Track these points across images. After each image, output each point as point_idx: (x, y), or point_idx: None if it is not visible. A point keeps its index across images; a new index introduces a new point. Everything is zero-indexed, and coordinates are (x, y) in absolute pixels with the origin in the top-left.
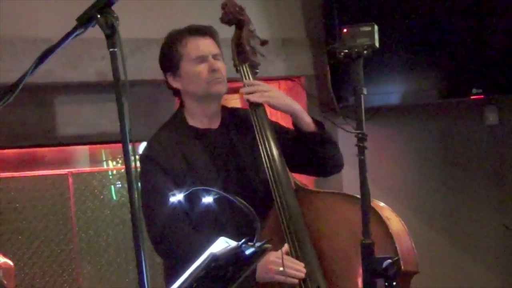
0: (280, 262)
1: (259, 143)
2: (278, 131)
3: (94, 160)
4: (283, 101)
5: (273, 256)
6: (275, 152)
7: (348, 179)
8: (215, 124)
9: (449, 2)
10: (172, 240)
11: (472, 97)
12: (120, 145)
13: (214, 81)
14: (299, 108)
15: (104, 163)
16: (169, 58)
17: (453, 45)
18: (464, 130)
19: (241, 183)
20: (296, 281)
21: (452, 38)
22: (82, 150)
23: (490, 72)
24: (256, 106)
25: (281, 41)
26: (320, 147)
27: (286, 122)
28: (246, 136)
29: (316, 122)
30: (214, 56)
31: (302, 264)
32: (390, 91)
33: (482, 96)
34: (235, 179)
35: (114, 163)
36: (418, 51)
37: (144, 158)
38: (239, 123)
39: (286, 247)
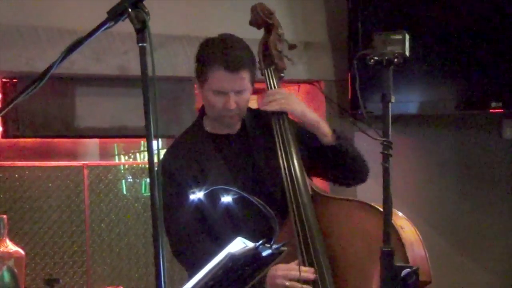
0: (285, 274)
1: (278, 153)
2: (303, 135)
3: (106, 153)
4: (299, 109)
5: (281, 270)
6: (295, 163)
7: (363, 186)
8: (235, 129)
9: (472, 14)
10: (189, 254)
11: (490, 110)
12: (132, 140)
13: (225, 116)
14: (315, 118)
15: (116, 157)
16: (198, 70)
17: (474, 57)
18: (481, 143)
19: (258, 189)
20: None
21: (474, 50)
22: (94, 143)
23: (510, 86)
24: (279, 114)
25: (303, 45)
26: (339, 159)
27: None
28: (267, 141)
29: (335, 133)
30: (238, 92)
31: (312, 270)
32: (409, 100)
33: (501, 110)
34: (252, 185)
35: (126, 157)
36: (439, 61)
37: (161, 169)
38: (261, 126)
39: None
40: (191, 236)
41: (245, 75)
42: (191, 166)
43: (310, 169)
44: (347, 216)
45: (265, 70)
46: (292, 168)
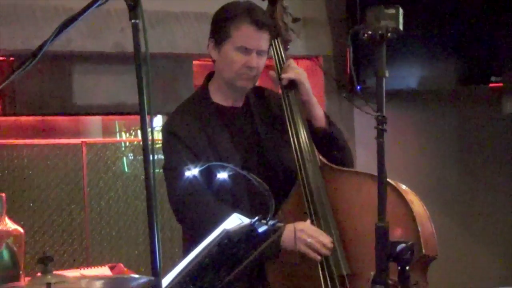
0: (309, 232)
1: (287, 122)
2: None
3: (107, 131)
4: (307, 85)
5: (304, 225)
6: (303, 130)
7: (361, 161)
8: (239, 103)
9: None
10: (193, 207)
11: (490, 85)
12: (134, 117)
13: (243, 76)
14: (315, 100)
15: (117, 134)
16: (218, 28)
17: (474, 32)
18: (481, 118)
19: (261, 163)
20: (319, 257)
21: (474, 25)
22: (96, 121)
23: (510, 61)
24: (288, 89)
25: (302, 20)
26: (326, 144)
27: None
28: (269, 118)
29: (328, 120)
30: (259, 53)
31: (330, 239)
32: (409, 75)
33: (501, 84)
34: (255, 159)
35: (127, 135)
36: (439, 36)
37: (166, 131)
38: (264, 103)
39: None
40: (196, 190)
41: (267, 36)
42: (199, 135)
43: None
44: (355, 188)
45: (272, 42)
46: (301, 136)
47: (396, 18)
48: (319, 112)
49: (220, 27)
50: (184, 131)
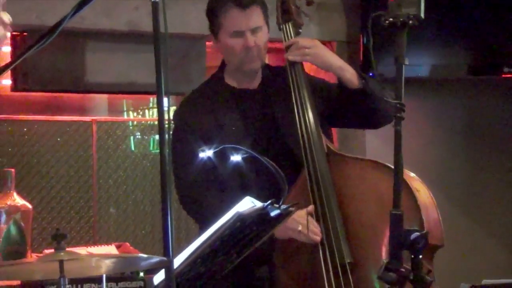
0: (301, 221)
1: (294, 102)
2: (322, 88)
3: (114, 109)
4: (321, 59)
5: (295, 215)
6: (310, 112)
7: (371, 148)
8: (255, 84)
9: None
10: (198, 200)
11: (503, 75)
12: (141, 96)
13: (247, 59)
14: (339, 65)
15: (125, 113)
16: (211, 22)
17: (487, 21)
18: (492, 108)
19: (272, 146)
20: (315, 241)
21: (488, 14)
22: (103, 98)
23: None
24: (294, 64)
25: (315, 5)
26: (366, 101)
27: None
28: (286, 97)
29: (360, 76)
30: (254, 30)
31: (319, 229)
32: (421, 63)
33: None
34: (266, 141)
35: (135, 114)
36: (452, 25)
37: (174, 117)
38: (281, 83)
39: (311, 207)
40: (201, 187)
41: (257, 11)
42: (207, 117)
43: (333, 119)
44: (361, 175)
45: (283, 25)
46: (307, 121)
47: (418, 5)
48: (348, 74)
49: (212, 19)
50: (192, 116)
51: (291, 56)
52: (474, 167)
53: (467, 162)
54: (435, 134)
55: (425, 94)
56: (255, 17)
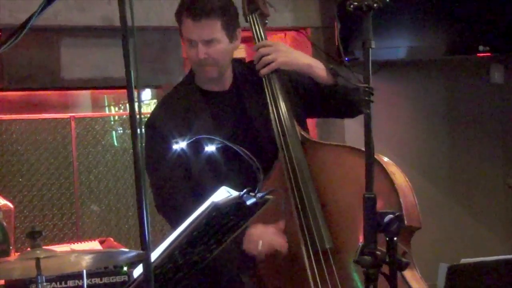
0: (263, 239)
1: (266, 96)
2: (297, 81)
3: (96, 105)
4: (286, 62)
5: (260, 231)
6: (282, 103)
7: (350, 133)
8: (225, 86)
9: None
10: (170, 208)
11: (478, 54)
12: (123, 91)
13: (200, 68)
14: (306, 63)
15: (106, 108)
16: (179, 27)
17: (462, 2)
18: (469, 88)
19: (249, 143)
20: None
21: None
22: (85, 95)
23: (498, 30)
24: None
25: None
26: (339, 94)
27: None
28: (259, 94)
29: (330, 70)
30: (207, 41)
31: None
32: (397, 45)
33: (489, 54)
34: (240, 141)
35: (117, 108)
36: (427, 6)
37: (145, 124)
38: (254, 80)
39: (281, 224)
40: (173, 191)
41: (213, 24)
42: (176, 119)
43: (309, 111)
44: (337, 161)
45: (250, 16)
46: (280, 112)
47: None
48: (318, 72)
49: (178, 23)
50: (163, 122)
51: (263, 72)
52: (454, 146)
53: (448, 141)
54: (414, 114)
55: (403, 76)
56: (208, 29)
